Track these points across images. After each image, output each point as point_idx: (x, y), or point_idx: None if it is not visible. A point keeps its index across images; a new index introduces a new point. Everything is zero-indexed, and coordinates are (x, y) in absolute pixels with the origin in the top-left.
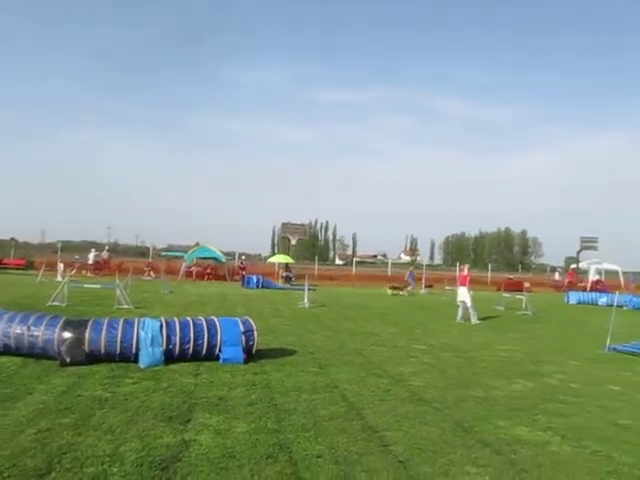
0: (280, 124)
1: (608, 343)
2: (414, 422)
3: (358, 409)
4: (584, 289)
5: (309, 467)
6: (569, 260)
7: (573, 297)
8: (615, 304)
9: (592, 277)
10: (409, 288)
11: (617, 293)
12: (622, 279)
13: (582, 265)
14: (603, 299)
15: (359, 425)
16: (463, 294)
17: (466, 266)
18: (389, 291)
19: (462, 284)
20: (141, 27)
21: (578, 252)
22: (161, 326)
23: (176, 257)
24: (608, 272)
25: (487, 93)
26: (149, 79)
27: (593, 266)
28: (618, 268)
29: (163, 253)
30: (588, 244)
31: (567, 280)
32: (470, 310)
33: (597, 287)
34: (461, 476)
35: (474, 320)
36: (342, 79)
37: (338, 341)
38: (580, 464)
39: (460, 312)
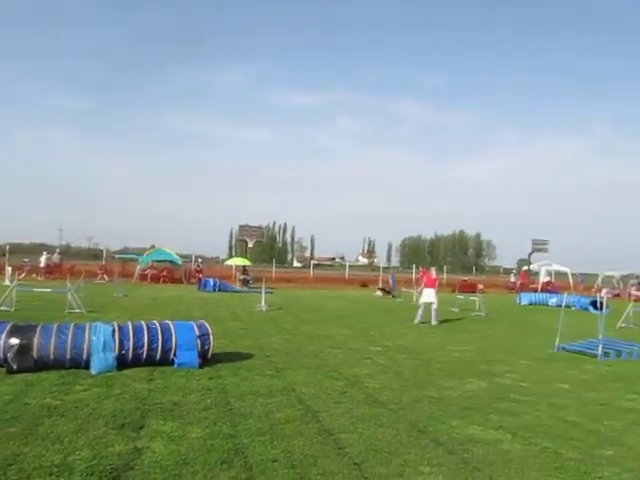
0: (238, 125)
1: (557, 343)
2: (369, 424)
3: (314, 412)
4: (535, 290)
5: (264, 471)
6: (521, 262)
7: (525, 298)
8: (564, 304)
9: (543, 278)
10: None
11: (565, 294)
12: (571, 280)
13: (533, 267)
14: (553, 300)
15: (315, 428)
16: (431, 296)
17: (433, 269)
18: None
19: (431, 286)
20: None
21: (529, 254)
22: (113, 331)
23: (131, 260)
24: (558, 273)
25: (443, 97)
26: (111, 79)
27: (544, 268)
28: (567, 270)
29: (117, 255)
30: (539, 246)
31: (519, 281)
32: (434, 312)
33: (548, 288)
34: (415, 476)
35: (434, 322)
36: (301, 81)
37: (295, 344)
38: (530, 461)
39: (420, 314)
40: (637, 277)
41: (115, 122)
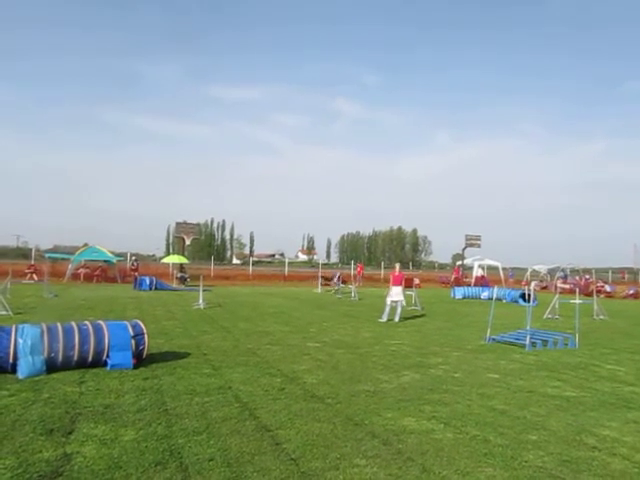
0: (176, 120)
1: (488, 334)
2: (307, 419)
3: (251, 409)
4: (469, 284)
5: (200, 471)
6: (456, 257)
7: (458, 292)
8: (494, 297)
9: (476, 273)
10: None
11: (496, 287)
12: (502, 274)
13: (467, 262)
14: (485, 293)
15: (252, 425)
16: (398, 293)
17: (397, 265)
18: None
19: (397, 284)
20: None
21: (463, 249)
22: (42, 332)
23: (63, 259)
24: (490, 267)
25: (381, 94)
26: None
27: (476, 262)
28: (498, 264)
29: (47, 255)
30: (472, 241)
31: (453, 276)
32: (399, 309)
33: (481, 282)
34: (350, 468)
35: (397, 319)
36: (240, 76)
37: (233, 341)
38: (461, 449)
39: (387, 311)
40: (563, 270)
41: (43, 115)
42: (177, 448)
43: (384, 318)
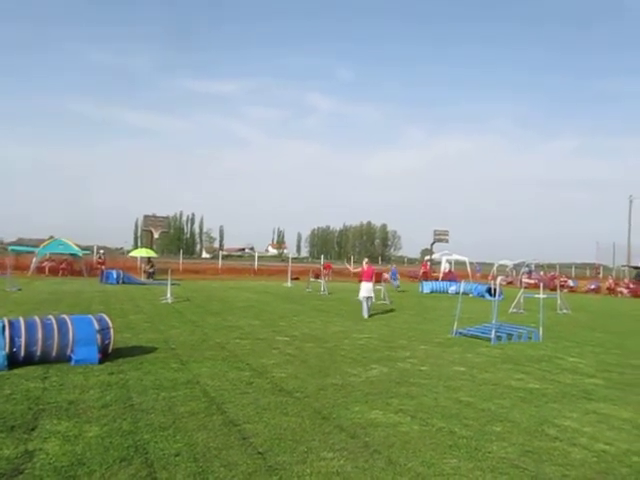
0: (146, 113)
1: (455, 328)
2: (275, 413)
3: (219, 404)
4: (437, 279)
5: (166, 467)
6: (424, 252)
7: (427, 286)
8: (462, 292)
9: (444, 267)
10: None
11: (463, 282)
12: (469, 269)
13: (435, 256)
14: (452, 288)
15: (220, 420)
16: (369, 289)
17: (365, 260)
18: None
19: (368, 279)
20: None
21: (432, 244)
22: (3, 327)
23: (27, 252)
24: (458, 262)
25: (354, 89)
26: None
27: (444, 257)
28: (466, 259)
29: (11, 247)
30: (440, 237)
31: (421, 271)
32: (368, 303)
33: (449, 277)
34: (318, 462)
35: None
36: (213, 70)
37: (201, 336)
38: (427, 441)
39: (365, 308)
40: (528, 265)
41: (9, 106)
42: (143, 444)
43: (365, 314)
